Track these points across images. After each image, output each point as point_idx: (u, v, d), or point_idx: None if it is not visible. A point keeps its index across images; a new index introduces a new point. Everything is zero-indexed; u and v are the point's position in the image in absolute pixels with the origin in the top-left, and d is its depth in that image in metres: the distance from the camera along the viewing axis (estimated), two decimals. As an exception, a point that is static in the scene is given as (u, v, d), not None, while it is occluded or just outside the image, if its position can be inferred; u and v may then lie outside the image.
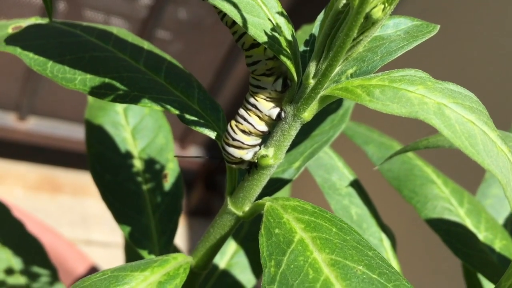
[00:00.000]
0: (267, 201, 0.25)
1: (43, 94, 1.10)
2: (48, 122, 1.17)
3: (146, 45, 0.31)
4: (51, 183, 1.24)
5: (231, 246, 0.41)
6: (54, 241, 0.75)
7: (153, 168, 0.38)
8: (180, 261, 0.27)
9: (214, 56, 1.12)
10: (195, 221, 1.31)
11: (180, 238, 1.26)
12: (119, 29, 0.32)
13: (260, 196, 0.28)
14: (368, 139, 0.42)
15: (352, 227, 0.24)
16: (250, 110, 0.25)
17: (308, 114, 0.24)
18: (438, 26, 0.26)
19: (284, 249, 0.22)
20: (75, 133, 1.16)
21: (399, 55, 0.24)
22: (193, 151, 1.27)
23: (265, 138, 0.26)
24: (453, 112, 0.21)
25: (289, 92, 0.24)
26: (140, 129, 0.39)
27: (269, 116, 0.24)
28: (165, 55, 0.31)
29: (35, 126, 1.15)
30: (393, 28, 0.26)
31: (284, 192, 0.44)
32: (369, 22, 0.21)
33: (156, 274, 0.25)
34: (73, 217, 1.20)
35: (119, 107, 0.40)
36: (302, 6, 1.01)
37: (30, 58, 0.28)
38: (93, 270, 0.75)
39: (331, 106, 0.34)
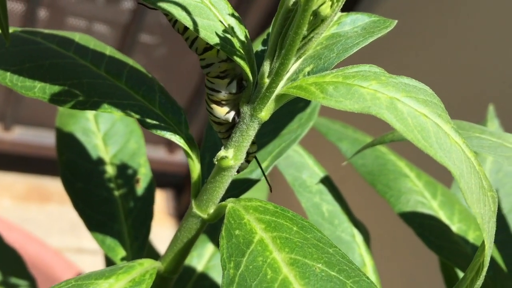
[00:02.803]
0: (229, 203, 0.25)
1: (28, 103, 1.09)
2: (33, 131, 1.17)
3: (108, 50, 0.31)
4: (39, 192, 1.24)
5: (208, 248, 0.41)
6: (40, 251, 0.75)
7: (125, 173, 0.38)
8: (146, 267, 0.27)
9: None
10: (186, 225, 1.30)
11: (171, 242, 1.26)
12: (82, 35, 0.32)
13: (226, 198, 0.28)
14: (342, 136, 0.42)
15: (314, 225, 0.24)
16: (209, 113, 0.25)
17: (265, 113, 0.24)
18: (395, 22, 0.26)
19: (244, 250, 0.22)
20: (61, 141, 1.15)
21: (354, 51, 0.24)
22: (181, 156, 1.27)
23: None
24: (406, 106, 0.21)
25: (245, 92, 0.24)
26: (111, 135, 0.39)
27: (226, 120, 0.24)
28: (128, 60, 0.31)
29: (21, 135, 1.15)
30: (351, 25, 0.26)
31: (261, 193, 0.44)
32: (318, 19, 0.21)
33: (121, 281, 0.25)
34: (63, 225, 1.20)
35: (90, 113, 0.40)
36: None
37: (-12, 68, 0.28)
38: (80, 278, 0.75)
39: (298, 105, 0.34)
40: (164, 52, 1.15)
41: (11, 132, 1.14)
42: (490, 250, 0.22)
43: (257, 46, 0.27)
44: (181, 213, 1.30)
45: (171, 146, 1.26)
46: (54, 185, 1.24)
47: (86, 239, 1.18)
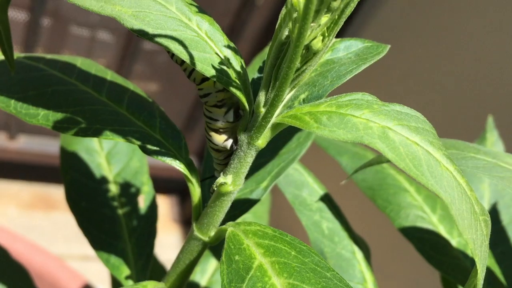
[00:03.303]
0: (229, 227, 0.25)
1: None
2: (38, 139, 1.17)
3: (109, 75, 0.31)
4: (44, 200, 1.25)
5: (211, 264, 0.42)
6: (44, 261, 0.76)
7: (128, 192, 0.38)
8: (150, 289, 0.27)
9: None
10: (190, 231, 1.31)
11: (176, 248, 1.26)
12: (83, 59, 0.33)
13: (228, 217, 0.28)
14: (341, 150, 0.43)
15: (312, 249, 0.24)
16: (208, 140, 0.26)
17: (262, 141, 0.24)
18: (388, 46, 0.26)
19: (243, 276, 0.22)
20: (65, 149, 1.16)
21: (348, 78, 0.25)
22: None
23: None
24: (397, 134, 0.21)
25: (242, 121, 0.25)
26: (114, 153, 0.40)
27: (224, 147, 0.25)
28: (129, 84, 0.31)
29: (26, 144, 1.16)
30: (344, 51, 0.26)
31: (263, 206, 0.45)
32: (311, 53, 0.21)
33: (125, 304, 0.26)
34: (68, 233, 1.21)
35: (93, 132, 0.40)
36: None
37: (-7, 96, 0.29)
38: (86, 288, 0.76)
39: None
40: (167, 58, 1.16)
41: (16, 141, 1.15)
42: (482, 274, 0.22)
43: (252, 72, 0.28)
44: (185, 219, 1.31)
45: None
46: (59, 193, 1.25)
47: (91, 247, 1.19)
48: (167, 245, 1.26)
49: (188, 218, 1.31)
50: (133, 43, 1.06)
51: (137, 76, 1.14)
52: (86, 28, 1.07)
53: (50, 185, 1.26)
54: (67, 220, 1.22)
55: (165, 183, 1.30)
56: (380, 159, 0.32)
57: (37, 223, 1.21)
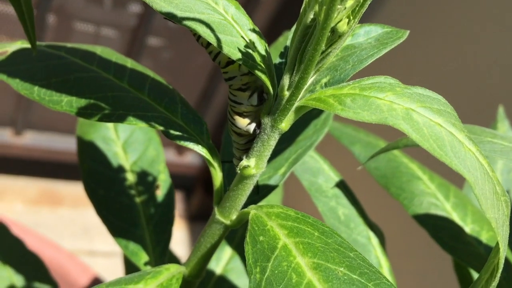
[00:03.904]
0: (252, 210, 0.26)
1: (38, 108, 1.11)
2: (44, 135, 1.18)
3: (129, 63, 0.32)
4: (51, 196, 1.25)
5: (226, 251, 0.42)
6: (55, 254, 0.76)
7: (145, 180, 0.39)
8: (173, 272, 0.28)
9: (207, 61, 1.13)
10: (196, 226, 1.32)
11: (182, 243, 1.27)
12: (103, 48, 0.33)
13: (247, 203, 0.29)
14: (354, 139, 0.43)
15: (334, 230, 0.25)
16: (231, 124, 0.26)
17: (285, 124, 0.25)
18: (407, 32, 0.27)
19: (269, 256, 0.23)
20: (72, 145, 1.17)
21: (369, 63, 0.25)
22: (190, 157, 1.28)
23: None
24: (421, 116, 0.22)
25: (266, 104, 0.25)
26: (130, 142, 0.40)
27: (247, 131, 0.26)
28: (148, 71, 0.32)
29: (32, 140, 1.16)
30: (364, 36, 0.27)
31: (276, 196, 0.45)
32: (336, 36, 0.22)
33: (149, 285, 0.26)
34: (75, 228, 1.21)
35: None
36: (285, 13, 1.02)
37: (17, 83, 0.29)
38: (95, 281, 0.76)
39: (313, 111, 0.35)
40: (172, 55, 1.16)
41: (23, 137, 1.15)
42: (504, 253, 0.22)
43: (274, 58, 0.28)
44: (191, 215, 1.32)
45: (180, 148, 1.27)
46: (66, 189, 1.25)
47: (98, 242, 1.20)
48: (173, 240, 1.26)
49: (193, 214, 1.32)
50: (137, 39, 1.06)
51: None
52: (91, 24, 1.08)
53: (57, 181, 1.26)
54: (73, 216, 1.23)
55: (171, 179, 1.31)
56: (395, 145, 0.33)
57: (44, 219, 1.21)
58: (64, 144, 1.18)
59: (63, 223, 1.22)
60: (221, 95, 1.20)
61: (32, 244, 0.75)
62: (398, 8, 0.91)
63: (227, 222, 0.28)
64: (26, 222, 1.16)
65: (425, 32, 0.86)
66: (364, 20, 0.27)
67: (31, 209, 1.23)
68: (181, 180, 1.34)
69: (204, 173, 1.30)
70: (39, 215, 1.22)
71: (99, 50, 0.32)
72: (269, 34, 1.07)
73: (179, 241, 1.28)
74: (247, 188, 0.27)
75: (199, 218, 1.32)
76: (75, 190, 1.25)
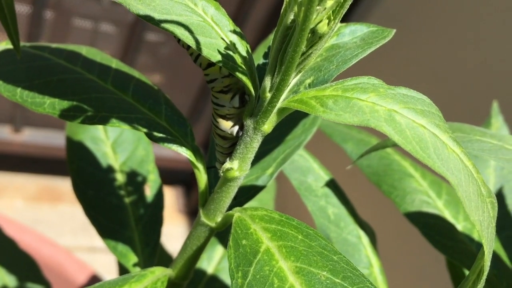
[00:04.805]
0: (236, 212, 0.26)
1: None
2: (43, 132, 1.18)
3: (114, 63, 0.32)
4: (50, 192, 1.25)
5: (218, 251, 0.42)
6: (52, 252, 0.76)
7: (134, 180, 0.39)
8: (158, 275, 0.27)
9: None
10: (196, 221, 1.32)
11: (182, 239, 1.27)
12: (89, 48, 0.33)
13: (235, 204, 0.28)
14: (346, 137, 0.43)
15: (319, 233, 0.24)
16: (215, 127, 0.26)
17: (268, 126, 0.24)
18: (394, 31, 0.26)
19: (251, 260, 0.23)
20: (70, 142, 1.17)
21: (353, 63, 0.25)
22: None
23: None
24: (404, 117, 0.21)
25: (248, 106, 0.25)
26: (120, 142, 0.40)
27: (231, 134, 0.25)
28: (134, 72, 0.32)
29: (31, 137, 1.16)
30: (350, 36, 0.26)
31: (268, 194, 0.45)
32: (316, 37, 0.21)
33: (133, 289, 0.26)
34: (75, 225, 1.21)
35: (98, 122, 0.40)
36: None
37: (0, 85, 0.29)
38: (93, 278, 0.76)
39: (302, 111, 0.34)
40: (170, 50, 1.16)
41: (21, 133, 1.15)
42: (489, 255, 0.22)
43: (257, 59, 0.28)
44: (191, 210, 1.32)
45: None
46: (65, 185, 1.25)
47: (98, 238, 1.19)
48: (173, 235, 1.26)
49: (193, 209, 1.32)
50: (136, 35, 1.06)
51: (140, 68, 1.14)
52: (89, 20, 1.07)
53: (56, 178, 1.26)
54: (73, 212, 1.23)
55: (171, 174, 1.30)
56: (385, 143, 0.32)
57: (44, 215, 1.22)
58: (62, 141, 1.18)
59: (62, 219, 1.23)
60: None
61: (29, 242, 0.75)
62: (391, 6, 0.91)
63: (212, 224, 0.28)
64: (26, 219, 1.16)
65: (419, 29, 0.86)
66: (358, 20, 0.26)
67: (31, 205, 1.23)
68: (181, 176, 1.34)
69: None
70: (39, 212, 1.22)
71: (84, 50, 0.32)
72: (264, 36, 1.06)
73: (179, 236, 1.28)
74: (231, 191, 0.27)
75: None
76: (74, 186, 1.25)
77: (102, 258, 1.17)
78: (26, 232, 0.76)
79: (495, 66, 0.75)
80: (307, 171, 0.36)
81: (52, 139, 1.18)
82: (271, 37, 0.38)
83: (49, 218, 1.22)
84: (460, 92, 0.76)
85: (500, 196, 0.40)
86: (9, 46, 0.32)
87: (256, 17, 1.07)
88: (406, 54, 0.87)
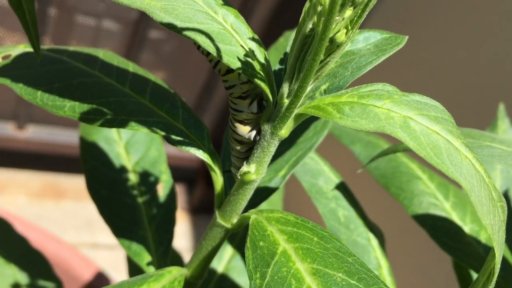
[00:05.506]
0: (252, 214, 0.26)
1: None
2: (46, 129, 1.18)
3: (131, 66, 0.32)
4: (54, 189, 1.26)
5: (227, 250, 0.43)
6: (58, 249, 0.77)
7: (147, 180, 0.39)
8: (175, 274, 0.28)
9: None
10: (199, 219, 1.32)
11: (184, 236, 1.28)
12: (105, 52, 0.33)
13: (248, 205, 0.29)
14: (354, 139, 0.44)
15: (333, 235, 0.25)
16: (233, 132, 0.26)
17: (285, 131, 0.25)
18: (406, 38, 0.27)
19: (269, 261, 0.23)
20: (74, 138, 1.18)
21: (368, 70, 0.25)
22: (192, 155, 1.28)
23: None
24: (418, 124, 0.22)
25: (266, 111, 0.25)
26: (132, 143, 0.41)
27: (249, 138, 0.26)
28: (150, 75, 0.32)
29: (34, 134, 1.17)
30: (363, 42, 0.27)
31: (277, 195, 0.46)
32: (334, 45, 0.22)
33: (152, 288, 0.27)
34: (78, 221, 1.22)
35: (111, 123, 0.41)
36: (284, 12, 1.02)
37: (20, 88, 0.29)
38: (99, 275, 0.77)
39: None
40: (173, 47, 1.16)
41: (25, 130, 1.16)
42: (500, 258, 0.23)
43: (275, 59, 0.28)
44: (193, 207, 1.32)
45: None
46: (69, 182, 1.26)
47: (101, 235, 1.20)
48: (176, 233, 1.27)
49: (196, 207, 1.32)
50: (139, 32, 1.06)
51: (144, 65, 1.15)
52: (92, 17, 1.08)
53: (59, 174, 1.27)
54: (76, 209, 1.23)
55: (173, 172, 1.31)
56: (395, 149, 0.33)
57: (47, 212, 1.22)
58: (66, 138, 1.18)
59: (66, 216, 1.23)
60: (223, 88, 1.19)
61: (34, 239, 0.76)
62: (394, 10, 0.91)
63: (228, 225, 0.29)
64: (29, 215, 1.17)
65: (424, 32, 0.86)
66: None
67: (34, 202, 1.23)
68: (183, 173, 1.34)
69: (206, 166, 1.30)
70: (42, 208, 1.23)
71: (101, 53, 0.33)
72: (269, 33, 1.07)
73: (182, 234, 1.29)
74: (248, 193, 0.27)
75: (201, 211, 1.33)
76: (78, 183, 1.26)
77: (105, 254, 1.18)
78: (32, 229, 0.77)
79: (502, 68, 0.75)
80: (317, 173, 0.36)
81: (55, 136, 1.18)
82: (281, 40, 0.39)
83: (52, 215, 1.23)
84: (465, 94, 0.77)
85: (505, 198, 0.41)
86: (28, 49, 0.33)
87: (260, 14, 1.07)
88: (410, 55, 0.88)
